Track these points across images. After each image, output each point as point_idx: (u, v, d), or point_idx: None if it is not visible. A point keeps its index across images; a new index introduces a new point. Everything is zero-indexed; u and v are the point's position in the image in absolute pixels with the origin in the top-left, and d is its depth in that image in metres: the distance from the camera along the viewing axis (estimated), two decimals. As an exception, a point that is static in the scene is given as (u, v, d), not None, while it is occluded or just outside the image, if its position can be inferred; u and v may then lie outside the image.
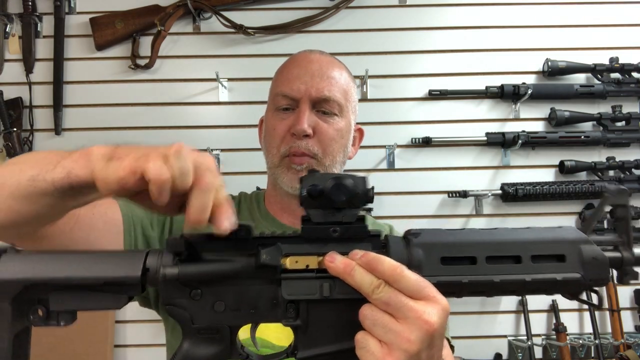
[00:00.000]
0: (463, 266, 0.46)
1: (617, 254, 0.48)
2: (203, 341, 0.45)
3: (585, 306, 1.79)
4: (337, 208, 0.45)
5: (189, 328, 0.45)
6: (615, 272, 0.50)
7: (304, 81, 0.85)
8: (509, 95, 1.87)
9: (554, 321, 1.79)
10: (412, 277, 0.42)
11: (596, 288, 0.48)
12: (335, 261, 0.44)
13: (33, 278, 0.43)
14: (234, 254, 0.45)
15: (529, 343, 1.74)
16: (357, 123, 0.96)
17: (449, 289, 0.45)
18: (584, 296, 0.49)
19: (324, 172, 0.47)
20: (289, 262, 0.45)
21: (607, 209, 0.50)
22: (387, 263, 0.43)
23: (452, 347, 0.84)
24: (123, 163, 0.42)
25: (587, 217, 1.73)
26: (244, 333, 0.48)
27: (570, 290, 0.48)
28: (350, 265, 0.43)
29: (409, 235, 0.47)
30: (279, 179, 0.86)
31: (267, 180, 0.93)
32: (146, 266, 0.44)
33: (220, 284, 0.45)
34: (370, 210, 1.79)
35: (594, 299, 0.49)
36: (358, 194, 0.45)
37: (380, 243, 0.47)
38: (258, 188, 1.79)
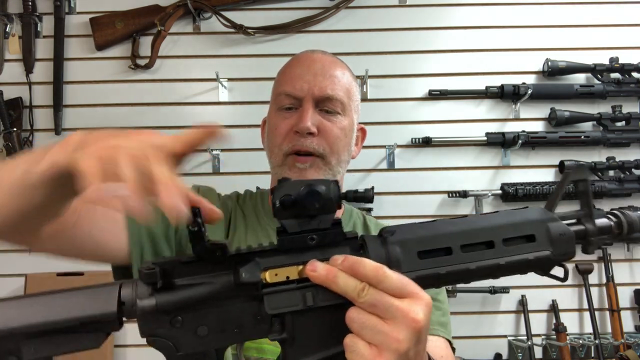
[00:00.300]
0: (439, 258, 0.47)
1: (580, 227, 0.51)
2: None
3: (586, 306, 1.79)
4: (312, 215, 0.45)
5: (174, 357, 0.44)
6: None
7: (306, 80, 0.85)
8: (509, 95, 1.87)
9: (554, 321, 1.79)
10: (394, 277, 0.42)
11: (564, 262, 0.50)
12: (317, 269, 0.43)
13: (0, 330, 0.40)
14: (211, 276, 0.44)
15: (529, 343, 1.75)
16: (358, 123, 0.96)
17: (428, 282, 0.46)
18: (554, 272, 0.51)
19: (295, 180, 0.46)
20: (268, 276, 0.44)
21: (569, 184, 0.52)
22: (369, 265, 0.43)
23: (453, 349, 0.84)
24: (86, 161, 0.40)
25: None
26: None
27: (542, 267, 0.49)
28: (332, 272, 0.43)
29: (385, 233, 0.47)
30: None
31: (271, 179, 0.93)
32: (121, 299, 0.42)
33: (200, 308, 0.44)
34: (370, 210, 1.79)
35: (561, 272, 0.51)
36: (331, 199, 0.45)
37: (358, 245, 0.47)
38: (258, 188, 1.79)
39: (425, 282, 0.45)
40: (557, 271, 0.50)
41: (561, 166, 1.86)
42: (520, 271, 0.49)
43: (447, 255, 0.47)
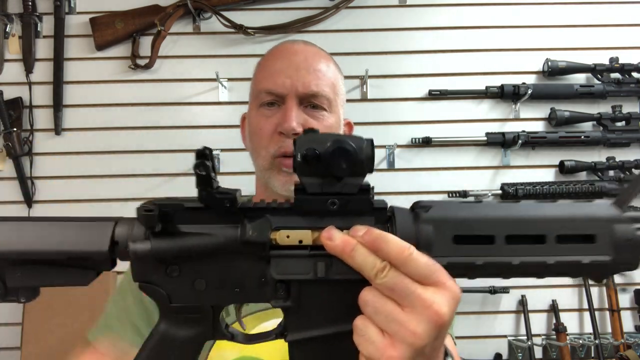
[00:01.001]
0: (478, 246, 0.40)
1: None
2: (182, 321, 0.41)
3: (586, 306, 1.79)
4: (338, 177, 0.39)
5: (166, 307, 0.41)
6: None
7: (289, 75, 0.79)
8: (509, 95, 1.86)
9: (554, 321, 1.79)
10: (421, 260, 0.37)
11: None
12: (334, 239, 0.38)
13: None
14: (216, 227, 0.40)
15: (529, 343, 1.74)
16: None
17: (460, 271, 0.40)
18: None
19: (324, 133, 0.40)
20: (279, 237, 0.39)
21: None
22: (394, 243, 0.37)
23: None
24: None
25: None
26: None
27: (596, 273, 0.42)
28: (350, 244, 0.38)
29: (418, 208, 0.41)
30: (270, 182, 0.80)
31: (256, 183, 0.89)
32: (115, 239, 0.39)
33: (200, 260, 0.40)
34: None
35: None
36: (362, 161, 0.39)
37: (386, 217, 0.41)
38: (258, 188, 1.79)
39: (457, 272, 0.40)
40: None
41: (561, 166, 1.86)
42: (570, 274, 0.42)
43: (488, 245, 0.40)
